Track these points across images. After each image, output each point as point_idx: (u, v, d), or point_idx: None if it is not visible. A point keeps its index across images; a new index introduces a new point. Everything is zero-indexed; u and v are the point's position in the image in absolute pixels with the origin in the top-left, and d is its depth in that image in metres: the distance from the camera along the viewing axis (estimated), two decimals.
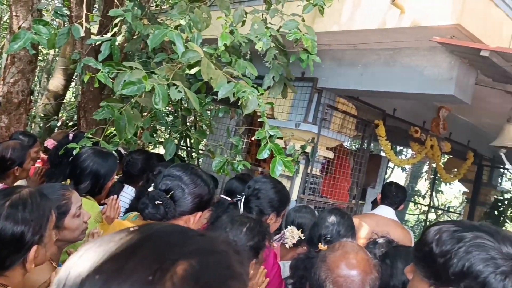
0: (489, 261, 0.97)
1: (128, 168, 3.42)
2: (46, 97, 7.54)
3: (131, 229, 0.59)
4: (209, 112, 3.86)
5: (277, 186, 2.38)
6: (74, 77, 8.16)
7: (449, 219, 14.00)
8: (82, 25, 3.09)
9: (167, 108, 6.07)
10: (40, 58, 9.17)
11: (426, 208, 10.78)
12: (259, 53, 3.17)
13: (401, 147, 10.74)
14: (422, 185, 14.53)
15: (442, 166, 6.68)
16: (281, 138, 4.29)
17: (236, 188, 3.16)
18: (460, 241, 1.02)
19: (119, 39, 3.42)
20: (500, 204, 6.96)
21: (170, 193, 1.73)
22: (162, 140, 7.27)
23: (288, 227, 2.62)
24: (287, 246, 2.57)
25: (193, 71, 2.74)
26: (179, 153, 6.37)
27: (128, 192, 3.27)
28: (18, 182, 3.05)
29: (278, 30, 3.34)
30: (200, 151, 6.08)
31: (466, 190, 7.64)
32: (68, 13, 3.85)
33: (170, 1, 6.40)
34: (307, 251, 2.09)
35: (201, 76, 2.64)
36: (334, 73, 4.15)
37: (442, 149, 5.74)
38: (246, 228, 1.80)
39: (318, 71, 4.16)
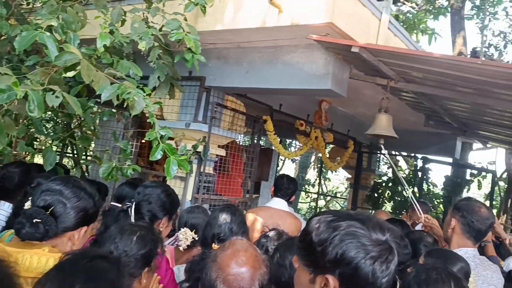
0: (360, 248, 1.05)
1: (3, 183, 3.10)
2: None
3: None
4: (93, 116, 3.66)
5: (167, 189, 2.34)
6: None
7: (337, 204, 15.02)
8: None
9: (47, 114, 5.63)
10: None
11: (316, 196, 11.41)
12: (142, 53, 3.08)
13: (290, 140, 11.24)
14: (311, 174, 15.37)
15: (327, 155, 7.13)
16: (172, 138, 4.24)
17: (127, 194, 3.05)
18: (336, 230, 1.09)
19: None
20: (379, 186, 7.63)
21: (50, 209, 1.60)
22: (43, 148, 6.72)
23: (182, 229, 2.59)
24: (181, 248, 2.54)
25: (71, 74, 2.57)
26: (64, 161, 5.95)
27: (5, 209, 2.97)
28: None
29: (160, 30, 3.27)
30: (88, 158, 5.74)
31: (349, 176, 8.25)
32: None
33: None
34: (201, 252, 2.09)
35: (81, 78, 2.49)
36: (221, 71, 4.19)
37: (325, 140, 6.11)
38: (136, 236, 1.74)
39: (205, 70, 4.17)
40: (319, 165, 9.72)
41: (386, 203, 7.77)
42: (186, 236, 2.58)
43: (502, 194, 9.19)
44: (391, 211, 7.59)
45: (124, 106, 2.51)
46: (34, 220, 1.56)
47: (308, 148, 6.05)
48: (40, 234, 1.57)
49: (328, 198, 14.96)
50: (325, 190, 15.26)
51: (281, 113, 5.56)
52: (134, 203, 2.22)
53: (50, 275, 1.22)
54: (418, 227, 4.25)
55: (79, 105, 2.48)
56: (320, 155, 6.60)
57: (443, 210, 7.86)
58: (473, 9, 10.88)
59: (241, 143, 8.57)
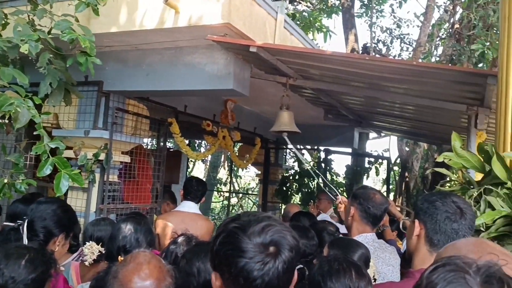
0: (242, 252, 1.05)
1: None
2: None
3: None
4: None
5: (63, 204, 2.20)
6: None
7: (249, 200, 15.26)
8: None
9: None
10: None
11: (228, 194, 11.50)
12: (31, 58, 2.86)
13: (199, 140, 11.20)
14: (223, 173, 15.44)
15: (236, 153, 7.21)
16: (70, 148, 4.00)
17: (21, 211, 2.81)
18: (220, 234, 1.12)
19: None
20: (286, 180, 7.89)
21: None
22: None
23: (87, 243, 2.46)
24: (87, 263, 2.40)
25: None
26: None
27: None
28: None
29: (49, 32, 3.06)
30: None
31: (259, 172, 8.43)
32: None
33: None
34: (107, 266, 1.99)
35: None
36: (119, 74, 4.03)
37: (233, 138, 6.17)
38: (25, 260, 1.60)
39: (103, 74, 3.99)
40: (229, 164, 9.79)
41: (294, 195, 8.06)
42: (92, 250, 2.45)
43: (397, 178, 9.99)
44: (299, 202, 7.88)
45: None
46: None
47: (216, 148, 6.06)
48: None
49: (240, 195, 15.15)
50: (237, 188, 15.43)
51: (187, 115, 5.51)
52: (26, 221, 2.05)
53: None
54: (322, 217, 4.46)
55: None
56: (229, 154, 6.66)
57: (346, 197, 8.35)
58: (362, 7, 11.68)
59: (148, 148, 8.35)
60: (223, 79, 3.59)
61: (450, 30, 8.64)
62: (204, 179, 14.46)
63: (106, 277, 1.54)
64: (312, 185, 7.69)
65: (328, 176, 7.86)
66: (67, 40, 2.87)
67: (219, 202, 15.59)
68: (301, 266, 2.24)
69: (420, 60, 8.44)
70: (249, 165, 7.70)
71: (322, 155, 7.97)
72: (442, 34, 9.21)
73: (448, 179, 2.53)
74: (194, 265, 1.61)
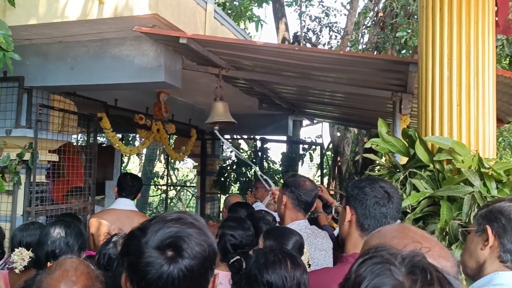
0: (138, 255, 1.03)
1: None
2: None
3: None
4: None
5: None
6: None
7: (188, 192, 15.12)
8: None
9: None
10: None
11: (165, 188, 11.32)
12: None
13: (133, 134, 10.89)
14: (159, 167, 15.16)
15: (172, 146, 7.09)
16: None
17: None
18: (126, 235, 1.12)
19: None
20: (224, 171, 7.90)
21: None
22: None
23: (16, 249, 2.31)
24: (17, 271, 2.27)
25: None
26: None
27: None
28: None
29: None
30: None
31: (196, 163, 8.37)
32: None
33: None
34: (35, 274, 1.89)
35: None
36: (42, 69, 3.81)
37: (167, 131, 6.06)
38: None
39: (24, 69, 3.75)
40: (165, 157, 9.62)
41: (232, 185, 8.09)
42: (22, 256, 2.31)
43: (330, 163, 10.34)
44: (238, 192, 7.93)
45: None
46: None
47: (151, 142, 5.93)
48: None
49: (178, 188, 14.97)
50: (174, 181, 15.22)
51: (118, 109, 5.33)
52: None
53: None
54: (258, 205, 4.52)
55: None
56: (164, 147, 6.53)
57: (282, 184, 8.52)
58: None
59: (78, 144, 8.01)
60: (153, 72, 3.51)
61: (375, 18, 9.00)
62: (139, 174, 14.13)
63: (32, 286, 1.46)
64: (250, 174, 7.76)
65: (265, 164, 7.97)
66: None
67: (156, 196, 15.30)
68: (238, 257, 2.27)
69: (347, 48, 8.75)
70: (186, 157, 7.62)
71: (259, 143, 8.05)
72: (368, 23, 9.57)
73: (376, 163, 2.66)
74: None
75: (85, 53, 3.70)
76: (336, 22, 11.08)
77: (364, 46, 9.15)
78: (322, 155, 8.89)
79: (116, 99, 5.28)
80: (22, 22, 3.36)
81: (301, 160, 8.57)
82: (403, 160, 2.62)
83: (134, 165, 18.22)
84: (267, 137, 8.07)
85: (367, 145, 2.43)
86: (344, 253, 1.72)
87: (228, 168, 7.89)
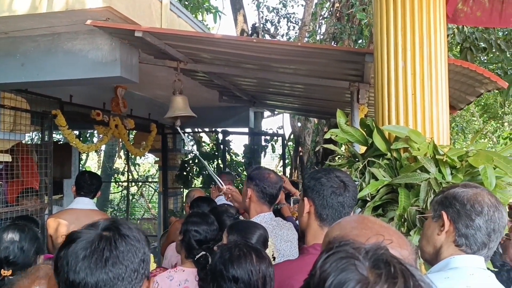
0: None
1: None
2: None
3: None
4: None
5: None
6: None
7: (150, 188, 14.89)
8: None
9: None
10: None
11: (126, 184, 11.10)
12: None
13: (91, 131, 10.60)
14: (120, 163, 14.83)
15: (131, 142, 6.95)
16: None
17: None
18: None
19: None
20: (186, 165, 7.82)
21: None
22: None
23: None
24: None
25: None
26: None
27: None
28: None
29: None
30: None
31: (157, 158, 8.24)
32: None
33: None
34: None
35: None
36: None
37: (126, 127, 5.92)
38: None
39: None
40: (125, 153, 9.42)
41: (195, 179, 8.03)
42: None
43: (291, 153, 10.44)
44: (201, 185, 7.89)
45: None
46: None
47: (109, 138, 5.78)
48: None
49: (140, 183, 14.71)
50: (136, 176, 14.94)
51: (74, 105, 5.16)
52: None
53: None
54: (221, 199, 4.51)
55: None
56: (123, 142, 6.39)
57: (245, 176, 8.55)
58: None
59: (32, 143, 7.71)
60: (109, 66, 3.41)
61: (332, 9, 9.11)
62: (99, 171, 13.78)
63: None
64: (212, 167, 7.72)
65: (228, 157, 7.95)
66: None
67: (118, 192, 14.98)
68: (204, 253, 2.26)
69: (305, 39, 8.81)
70: (147, 152, 7.49)
71: (220, 136, 8.02)
72: (324, 13, 9.68)
73: (336, 153, 2.70)
74: None
75: (35, 48, 3.54)
76: (293, 13, 11.11)
77: (321, 37, 9.26)
78: (283, 146, 8.96)
79: (71, 95, 5.11)
80: None
81: (263, 152, 8.61)
82: (361, 149, 2.67)
83: (93, 162, 17.74)
84: (229, 129, 8.04)
85: (327, 136, 2.46)
86: (304, 244, 1.74)
87: (190, 162, 7.82)
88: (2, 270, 1.65)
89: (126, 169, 11.37)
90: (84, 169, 10.05)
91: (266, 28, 10.58)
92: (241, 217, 2.89)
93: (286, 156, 9.38)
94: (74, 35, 3.47)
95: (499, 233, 1.50)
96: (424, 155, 2.16)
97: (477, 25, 4.55)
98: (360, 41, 8.63)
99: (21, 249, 1.86)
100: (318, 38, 9.15)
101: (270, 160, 12.77)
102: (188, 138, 8.73)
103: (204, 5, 10.15)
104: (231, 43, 3.50)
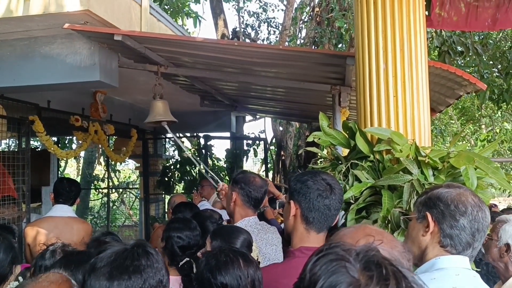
0: None
1: None
2: None
3: None
4: None
5: None
6: None
7: (131, 194, 14.70)
8: None
9: None
10: None
11: (107, 190, 10.93)
12: None
13: (70, 137, 10.41)
14: (100, 170, 14.61)
15: (111, 148, 6.85)
16: None
17: None
18: None
19: None
20: (168, 170, 7.73)
21: None
22: None
23: None
24: None
25: None
26: None
27: None
28: None
29: None
30: None
31: (138, 164, 8.13)
32: None
33: None
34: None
35: None
36: None
37: (106, 132, 5.83)
38: None
39: None
40: (105, 159, 9.28)
41: (177, 185, 7.95)
42: None
43: (274, 157, 10.44)
44: (183, 191, 7.81)
45: None
46: None
47: (88, 144, 5.68)
48: None
49: (121, 190, 14.51)
50: (116, 183, 14.73)
51: (52, 111, 5.06)
52: None
53: None
54: (203, 204, 4.46)
55: None
56: (103, 148, 6.29)
57: (228, 180, 8.50)
58: None
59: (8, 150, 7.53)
60: (88, 71, 3.35)
61: (311, 13, 9.16)
62: (78, 178, 13.53)
63: None
64: (194, 172, 7.66)
65: (210, 162, 7.89)
66: None
67: (98, 200, 14.74)
68: (187, 259, 2.22)
69: (286, 43, 8.84)
70: (127, 158, 7.38)
71: (202, 141, 7.96)
72: (305, 18, 9.73)
73: (319, 156, 2.69)
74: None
75: (11, 52, 3.46)
76: (274, 18, 11.15)
77: (302, 41, 9.30)
78: (266, 150, 8.95)
79: (49, 101, 5.02)
80: None
81: (245, 156, 8.58)
82: (344, 152, 2.67)
83: (72, 169, 17.45)
84: (211, 134, 8.00)
85: (310, 139, 2.45)
86: (290, 247, 1.72)
87: (172, 167, 7.74)
88: None
89: (106, 176, 11.20)
90: (62, 176, 9.86)
91: (247, 33, 10.59)
92: (224, 223, 2.86)
93: (269, 160, 9.37)
94: (52, 39, 3.41)
95: (483, 233, 1.50)
96: (407, 156, 2.16)
97: (454, 29, 4.63)
98: (340, 45, 8.70)
99: None
100: (298, 42, 9.19)
101: (252, 165, 12.75)
102: (170, 143, 8.65)
103: (184, 10, 10.11)
104: (212, 46, 3.48)
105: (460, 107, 12.60)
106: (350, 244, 0.78)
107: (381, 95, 2.41)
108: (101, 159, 8.78)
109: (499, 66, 7.18)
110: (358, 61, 2.54)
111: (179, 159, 7.83)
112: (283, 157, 9.51)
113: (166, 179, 7.61)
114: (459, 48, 6.32)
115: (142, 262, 1.19)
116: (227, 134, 8.30)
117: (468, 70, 6.92)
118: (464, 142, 14.01)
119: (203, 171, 3.76)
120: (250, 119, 9.92)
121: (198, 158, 7.68)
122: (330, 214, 1.66)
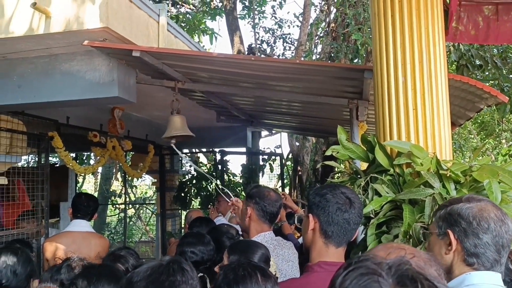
0: None
1: None
2: None
3: None
4: None
5: None
6: None
7: (147, 210, 14.75)
8: None
9: None
10: None
11: (124, 206, 11.00)
12: None
13: (88, 153, 10.55)
14: (117, 185, 14.73)
15: (128, 163, 6.90)
16: None
17: None
18: None
19: None
20: (184, 186, 7.74)
21: None
22: None
23: None
24: None
25: None
26: None
27: None
28: None
29: None
30: None
31: (155, 180, 8.17)
32: None
33: None
34: None
35: None
36: None
37: (123, 148, 5.89)
38: None
39: None
40: (122, 175, 9.35)
41: (193, 200, 7.94)
42: None
43: (290, 172, 10.39)
44: (199, 206, 7.80)
45: None
46: None
47: (106, 160, 5.73)
48: None
49: (137, 206, 14.57)
50: (133, 199, 14.81)
51: (70, 127, 5.13)
52: None
53: None
54: (219, 220, 4.44)
55: None
56: (120, 164, 6.34)
57: (244, 196, 8.46)
58: (244, 9, 11.93)
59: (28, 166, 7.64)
60: (106, 87, 3.39)
61: (327, 29, 9.19)
62: (96, 193, 13.66)
63: None
64: (210, 187, 7.65)
65: (226, 177, 7.89)
66: None
67: (115, 215, 14.83)
68: (201, 274, 2.19)
69: (302, 59, 8.86)
70: (144, 174, 7.42)
71: (218, 156, 7.97)
72: (320, 33, 9.76)
73: (336, 170, 2.66)
74: None
75: (32, 70, 3.53)
76: (289, 34, 11.24)
77: (318, 56, 9.31)
78: (282, 165, 8.90)
79: (68, 117, 5.09)
80: None
81: (261, 171, 8.55)
82: (363, 166, 2.63)
83: (89, 185, 17.61)
84: (227, 149, 8.01)
85: (328, 153, 2.42)
86: (308, 262, 1.69)
87: (188, 183, 7.75)
88: None
89: (123, 191, 11.27)
90: (80, 192, 9.95)
91: (262, 49, 10.67)
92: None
93: (285, 176, 9.31)
94: (71, 56, 3.47)
95: (508, 247, 1.45)
96: (427, 170, 2.12)
97: (472, 42, 4.58)
98: (356, 60, 8.69)
99: (14, 272, 1.80)
100: (314, 57, 9.21)
101: (268, 180, 12.73)
102: (186, 158, 8.67)
103: (200, 27, 10.24)
104: (228, 61, 3.49)
105: (479, 121, 12.41)
106: (380, 257, 0.74)
107: (400, 108, 2.38)
108: (119, 175, 8.85)
109: None
110: (377, 74, 2.52)
111: (195, 175, 7.84)
112: (299, 173, 9.45)
113: (183, 194, 7.62)
114: (478, 62, 6.24)
115: (177, 278, 1.21)
116: (243, 149, 8.30)
117: (488, 84, 6.82)
118: (485, 156, 13.75)
119: (219, 185, 3.74)
120: (266, 134, 9.92)
121: (214, 174, 7.70)
122: (349, 228, 1.63)
